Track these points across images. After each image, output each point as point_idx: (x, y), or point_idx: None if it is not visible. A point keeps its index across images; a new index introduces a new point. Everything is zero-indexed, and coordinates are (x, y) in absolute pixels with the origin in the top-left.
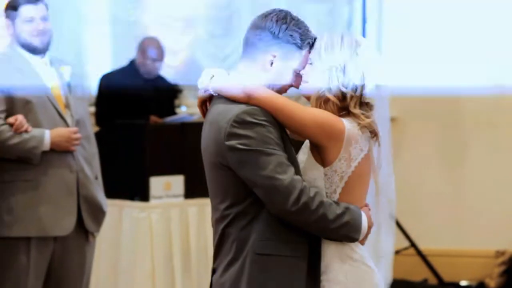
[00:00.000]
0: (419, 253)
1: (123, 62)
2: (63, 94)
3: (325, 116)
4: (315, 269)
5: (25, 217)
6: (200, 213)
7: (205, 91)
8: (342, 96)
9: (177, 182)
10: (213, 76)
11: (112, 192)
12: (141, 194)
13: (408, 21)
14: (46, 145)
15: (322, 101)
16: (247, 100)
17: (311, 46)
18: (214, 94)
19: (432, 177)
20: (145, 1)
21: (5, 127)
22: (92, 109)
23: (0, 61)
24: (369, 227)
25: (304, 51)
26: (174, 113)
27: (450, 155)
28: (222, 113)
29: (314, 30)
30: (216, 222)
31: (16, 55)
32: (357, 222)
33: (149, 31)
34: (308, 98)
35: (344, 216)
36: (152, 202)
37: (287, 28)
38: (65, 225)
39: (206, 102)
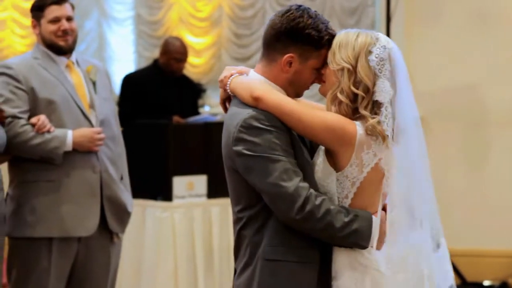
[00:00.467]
0: None
1: (146, 62)
2: (88, 94)
3: (336, 120)
4: (326, 275)
5: (47, 218)
6: (223, 213)
7: (224, 90)
8: (354, 97)
9: (200, 182)
10: (234, 75)
11: (135, 192)
12: (164, 194)
13: (433, 20)
14: (69, 145)
15: (336, 103)
16: (255, 104)
17: (330, 44)
18: (230, 94)
19: (455, 177)
20: (169, 1)
21: (28, 127)
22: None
23: (26, 61)
24: (383, 233)
25: (323, 50)
26: (197, 113)
27: (473, 155)
28: (232, 116)
29: (335, 27)
30: (233, 224)
31: (42, 55)
32: (366, 230)
33: (173, 31)
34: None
35: (352, 224)
36: (175, 202)
37: (304, 27)
38: (88, 225)
39: (226, 100)
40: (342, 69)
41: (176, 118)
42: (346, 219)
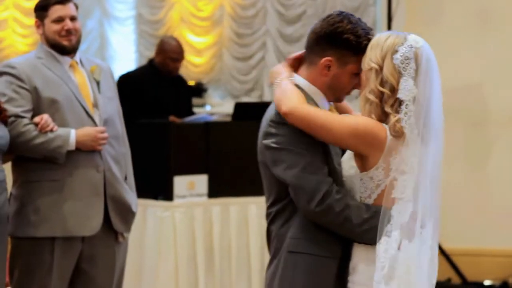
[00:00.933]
0: (443, 252)
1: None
2: (91, 93)
3: (368, 125)
4: (345, 269)
5: (51, 217)
6: (224, 213)
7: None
8: (382, 97)
9: (201, 181)
10: (277, 80)
11: (136, 191)
12: (165, 193)
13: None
14: (72, 145)
15: (367, 103)
16: (285, 117)
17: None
18: None
19: (456, 176)
20: (170, 1)
21: (31, 126)
22: None
23: (29, 60)
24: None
25: (362, 55)
26: (192, 113)
27: (474, 154)
28: (267, 113)
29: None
30: (266, 219)
31: (46, 55)
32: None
33: (175, 30)
34: None
35: (371, 220)
36: (176, 201)
37: (343, 32)
38: (92, 225)
39: None
40: (371, 69)
41: (172, 118)
42: (366, 216)
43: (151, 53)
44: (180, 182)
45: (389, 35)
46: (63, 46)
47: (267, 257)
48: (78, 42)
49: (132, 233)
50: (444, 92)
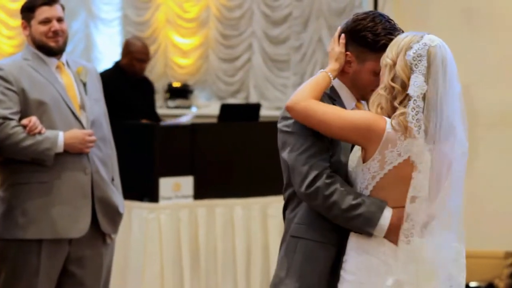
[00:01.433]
0: None
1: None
2: (78, 95)
3: (365, 118)
4: (341, 257)
5: (39, 219)
6: (209, 214)
7: None
8: (393, 92)
9: (187, 183)
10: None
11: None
12: (151, 195)
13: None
14: (60, 147)
15: (379, 98)
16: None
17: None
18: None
19: None
20: (156, 1)
21: (19, 128)
22: None
23: (16, 62)
24: (396, 226)
25: (382, 53)
26: (156, 114)
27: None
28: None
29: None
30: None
31: (33, 57)
32: (372, 216)
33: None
34: None
35: (358, 207)
36: (162, 203)
37: (361, 29)
38: (80, 227)
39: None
40: (386, 65)
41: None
42: (353, 202)
43: None
44: (166, 184)
45: (408, 35)
46: (50, 47)
47: (252, 258)
48: (65, 43)
49: (117, 235)
50: None
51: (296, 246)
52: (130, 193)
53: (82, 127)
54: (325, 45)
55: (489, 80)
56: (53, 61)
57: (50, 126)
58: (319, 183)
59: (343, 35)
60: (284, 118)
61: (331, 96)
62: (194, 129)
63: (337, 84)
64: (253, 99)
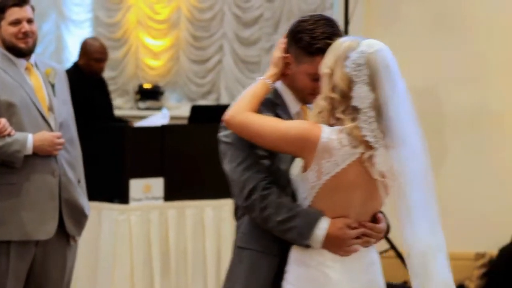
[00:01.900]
0: (399, 255)
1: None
2: (47, 96)
3: (300, 128)
4: (284, 268)
5: (8, 221)
6: (180, 216)
7: None
8: (332, 102)
9: (157, 184)
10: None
11: (91, 194)
12: (121, 196)
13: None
14: (29, 149)
15: (319, 108)
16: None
17: (323, 53)
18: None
19: None
20: (127, 3)
21: None
22: None
23: None
24: (335, 236)
25: (316, 57)
26: (112, 115)
27: (431, 158)
28: None
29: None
30: None
31: (2, 58)
32: (306, 228)
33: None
34: None
35: (292, 220)
36: (132, 204)
37: (300, 31)
38: (47, 229)
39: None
40: (325, 74)
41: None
42: (287, 214)
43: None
44: (136, 185)
45: (346, 40)
46: (19, 48)
47: (223, 260)
48: (34, 44)
49: (87, 236)
50: None
51: (241, 257)
52: (100, 195)
53: (51, 129)
54: None
55: (459, 82)
56: (22, 63)
57: (19, 128)
58: (255, 195)
59: (284, 39)
60: (224, 128)
61: (274, 102)
62: (165, 131)
63: (282, 87)
64: (224, 101)
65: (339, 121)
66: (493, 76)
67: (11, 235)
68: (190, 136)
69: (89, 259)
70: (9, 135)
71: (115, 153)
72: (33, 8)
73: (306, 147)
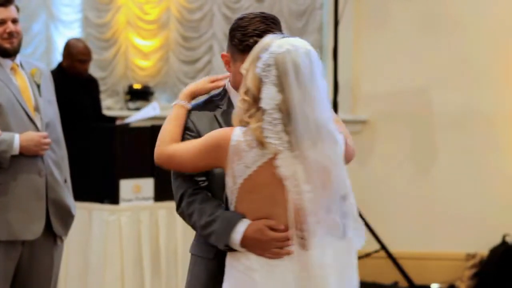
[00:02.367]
0: (390, 255)
1: (93, 65)
2: (32, 97)
3: (212, 137)
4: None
5: None
6: (170, 216)
7: None
8: (245, 104)
9: (147, 185)
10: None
11: (81, 194)
12: (111, 196)
13: (381, 24)
14: (16, 149)
15: (237, 110)
16: None
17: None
18: None
19: (402, 180)
20: (117, 3)
21: None
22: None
23: None
24: (254, 239)
25: (247, 55)
26: (101, 114)
27: (420, 158)
28: None
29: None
30: None
31: None
32: (223, 232)
33: (121, 33)
34: None
35: (211, 225)
36: (122, 205)
37: (234, 29)
38: (34, 229)
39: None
40: (243, 75)
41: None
42: (207, 219)
43: (97, 57)
44: (126, 186)
45: (265, 39)
46: (4, 48)
47: None
48: (19, 44)
49: (77, 236)
50: (390, 96)
51: (191, 263)
52: (91, 195)
53: (37, 129)
54: None
55: (447, 83)
56: (7, 63)
57: (5, 128)
58: (183, 203)
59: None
60: None
61: (217, 104)
62: (155, 131)
63: (229, 87)
64: None
65: (248, 123)
66: (482, 77)
67: None
68: None
69: (79, 260)
70: None
71: (105, 154)
72: (17, 8)
73: (219, 154)
